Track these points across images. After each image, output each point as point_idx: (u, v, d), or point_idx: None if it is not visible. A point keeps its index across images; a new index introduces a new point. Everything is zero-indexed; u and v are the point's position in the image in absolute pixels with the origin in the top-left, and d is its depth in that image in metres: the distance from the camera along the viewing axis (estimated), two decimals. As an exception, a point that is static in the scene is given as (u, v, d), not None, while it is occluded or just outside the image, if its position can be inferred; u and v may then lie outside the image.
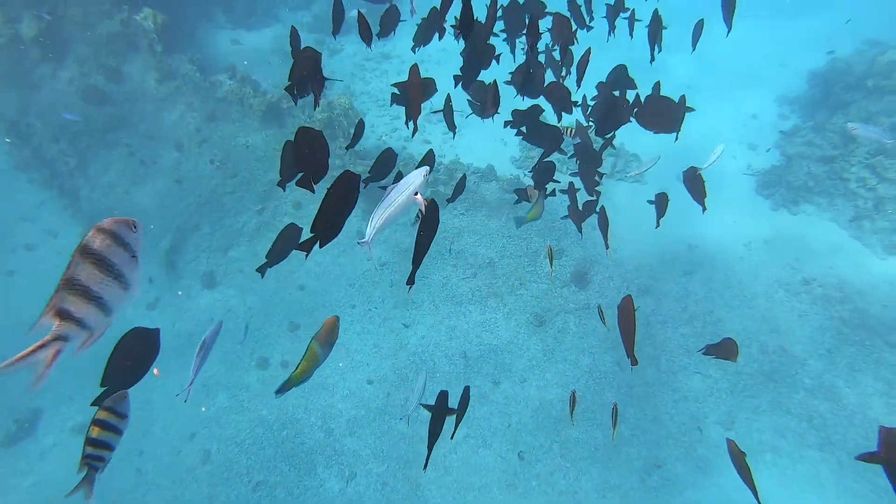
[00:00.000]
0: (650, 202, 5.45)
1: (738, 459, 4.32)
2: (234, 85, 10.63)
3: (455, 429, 4.11)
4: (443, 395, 3.92)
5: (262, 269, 4.51)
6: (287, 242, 4.41)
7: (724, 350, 4.97)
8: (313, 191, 3.38)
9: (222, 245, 10.95)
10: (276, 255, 4.44)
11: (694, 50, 5.94)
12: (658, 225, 5.34)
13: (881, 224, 9.67)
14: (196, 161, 11.09)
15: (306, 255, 3.30)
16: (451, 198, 5.53)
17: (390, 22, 5.35)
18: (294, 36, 4.82)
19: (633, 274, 9.81)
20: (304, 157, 3.36)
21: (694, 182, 4.99)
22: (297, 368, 3.52)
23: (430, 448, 3.67)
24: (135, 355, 2.85)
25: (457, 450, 8.85)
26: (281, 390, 3.49)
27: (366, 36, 5.24)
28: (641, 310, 9.46)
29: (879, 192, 9.68)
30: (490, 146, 12.35)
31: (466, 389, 4.37)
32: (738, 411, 8.84)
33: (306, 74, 5.52)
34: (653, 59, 5.64)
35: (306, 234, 3.03)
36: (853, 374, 8.85)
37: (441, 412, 3.82)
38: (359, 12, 5.29)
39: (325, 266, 10.71)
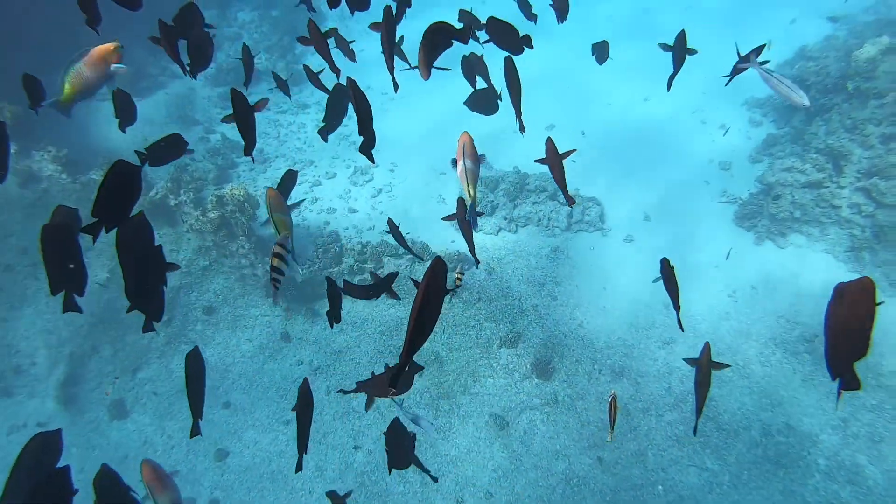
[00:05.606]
0: None
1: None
2: (111, 181, 8.91)
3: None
4: None
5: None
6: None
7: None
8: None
9: (128, 366, 9.35)
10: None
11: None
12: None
13: (884, 256, 8.23)
14: (85, 271, 9.43)
15: (94, 240, 3.07)
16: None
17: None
18: None
19: (602, 354, 8.31)
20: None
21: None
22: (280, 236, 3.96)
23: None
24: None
25: None
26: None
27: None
28: (619, 397, 8.00)
29: (878, 220, 8.22)
30: (429, 207, 10.74)
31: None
32: (746, 506, 7.45)
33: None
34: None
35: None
36: (875, 447, 7.47)
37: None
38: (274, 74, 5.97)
39: (250, 377, 9.16)
